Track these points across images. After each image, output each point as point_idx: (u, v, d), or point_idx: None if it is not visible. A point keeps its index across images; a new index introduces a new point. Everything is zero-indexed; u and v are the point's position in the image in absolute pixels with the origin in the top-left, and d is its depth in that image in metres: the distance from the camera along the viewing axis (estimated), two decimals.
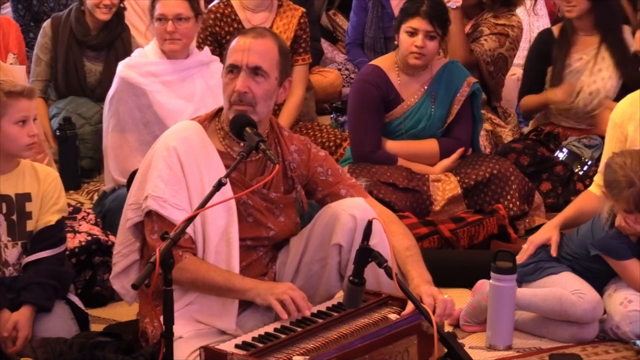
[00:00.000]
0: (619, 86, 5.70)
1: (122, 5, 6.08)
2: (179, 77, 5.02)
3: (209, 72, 5.06)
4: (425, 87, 5.26)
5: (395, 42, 5.22)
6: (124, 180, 4.82)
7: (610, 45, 5.71)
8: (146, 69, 5.00)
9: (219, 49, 5.71)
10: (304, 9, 6.00)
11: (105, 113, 5.10)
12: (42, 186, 3.99)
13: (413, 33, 5.12)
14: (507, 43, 6.00)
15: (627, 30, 5.76)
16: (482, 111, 5.61)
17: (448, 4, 5.71)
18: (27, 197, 3.96)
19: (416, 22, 5.11)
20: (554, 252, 4.29)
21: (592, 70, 5.73)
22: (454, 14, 5.70)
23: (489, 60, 5.99)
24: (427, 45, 5.12)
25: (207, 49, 5.24)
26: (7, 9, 7.16)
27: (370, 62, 5.41)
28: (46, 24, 6.16)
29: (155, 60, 5.03)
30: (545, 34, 6.00)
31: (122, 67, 5.03)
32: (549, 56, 5.84)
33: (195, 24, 5.04)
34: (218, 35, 5.79)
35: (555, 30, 5.90)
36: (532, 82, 5.95)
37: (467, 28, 6.09)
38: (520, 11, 6.60)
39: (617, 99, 5.65)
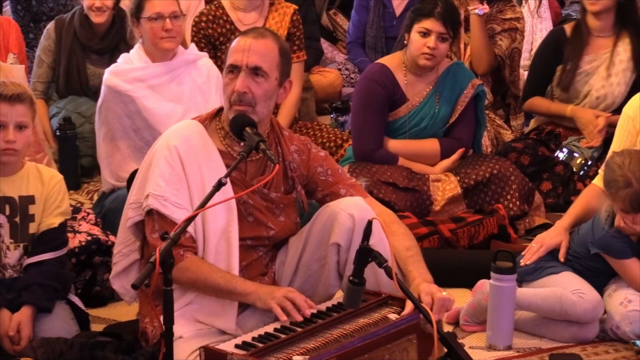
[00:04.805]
0: (627, 93, 5.67)
1: (119, 6, 6.08)
2: (166, 79, 5.00)
3: (197, 69, 5.05)
4: (431, 87, 5.25)
5: (405, 42, 5.20)
6: (121, 185, 4.83)
7: (632, 40, 5.67)
8: (132, 75, 4.97)
9: (213, 51, 5.71)
10: (296, 6, 5.98)
11: (96, 122, 5.09)
12: (46, 189, 3.98)
13: (426, 34, 5.10)
14: (517, 36, 6.00)
15: None
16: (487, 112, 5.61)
17: (474, 11, 5.72)
18: (30, 199, 3.96)
19: (429, 23, 5.09)
20: (562, 257, 4.27)
21: (602, 75, 5.70)
22: (478, 20, 5.72)
23: (505, 59, 5.99)
24: (438, 47, 5.11)
25: (192, 45, 5.23)
26: (8, 7, 7.16)
27: (377, 61, 5.39)
28: (50, 26, 6.17)
29: (141, 65, 5.00)
30: (557, 32, 5.92)
31: (107, 75, 4.99)
32: (560, 55, 5.79)
33: (183, 22, 5.07)
34: (211, 37, 5.78)
35: (568, 28, 5.82)
36: (540, 80, 5.90)
37: None
38: (524, 12, 6.58)
39: (622, 106, 5.66)
